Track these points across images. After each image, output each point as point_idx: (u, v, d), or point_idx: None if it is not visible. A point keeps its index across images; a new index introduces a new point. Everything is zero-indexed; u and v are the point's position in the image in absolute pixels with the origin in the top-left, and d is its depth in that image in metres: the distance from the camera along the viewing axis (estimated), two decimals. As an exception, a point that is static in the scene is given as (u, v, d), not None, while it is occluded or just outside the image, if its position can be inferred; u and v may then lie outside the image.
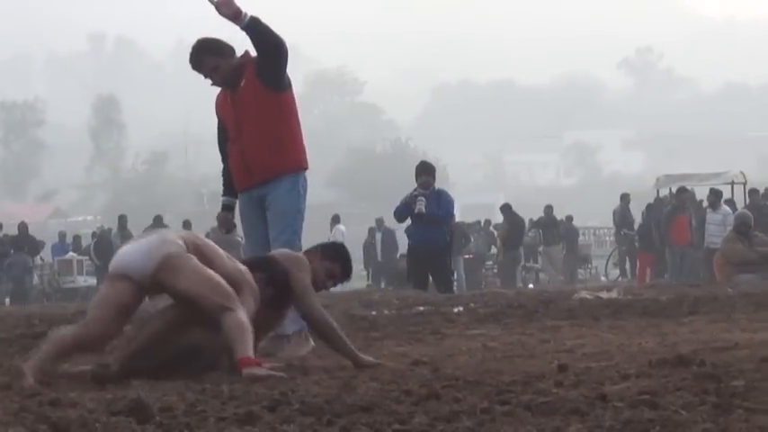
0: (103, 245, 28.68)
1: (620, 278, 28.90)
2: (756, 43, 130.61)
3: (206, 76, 7.88)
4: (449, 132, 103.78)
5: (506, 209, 28.59)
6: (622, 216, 29.01)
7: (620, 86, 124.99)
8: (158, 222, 28.89)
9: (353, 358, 6.53)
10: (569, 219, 31.68)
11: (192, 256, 6.04)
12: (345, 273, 6.99)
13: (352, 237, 31.84)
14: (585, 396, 4.47)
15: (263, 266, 6.67)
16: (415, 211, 15.40)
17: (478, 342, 7.97)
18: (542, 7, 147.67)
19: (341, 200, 79.36)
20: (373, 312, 10.89)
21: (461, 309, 11.32)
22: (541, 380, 5.16)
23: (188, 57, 7.86)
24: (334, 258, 6.96)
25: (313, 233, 10.88)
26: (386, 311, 11.27)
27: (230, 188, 8.19)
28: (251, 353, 5.80)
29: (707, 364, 5.39)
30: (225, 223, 8.25)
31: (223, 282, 6.00)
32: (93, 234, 32.16)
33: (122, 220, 29.05)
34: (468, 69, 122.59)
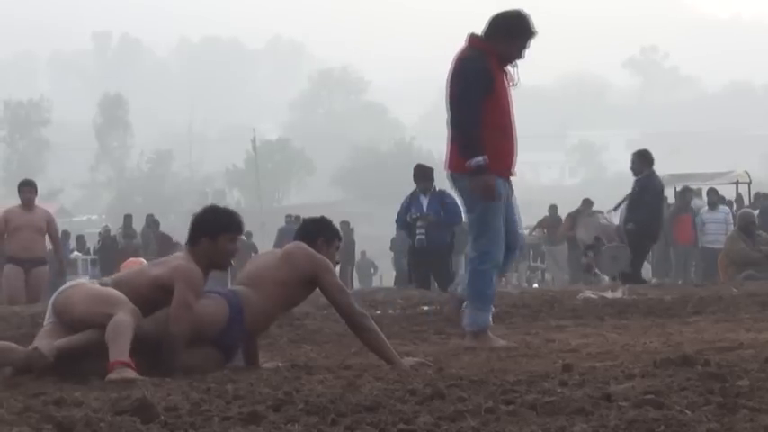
0: (108, 247, 28.70)
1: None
2: (761, 42, 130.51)
3: (523, 48, 8.22)
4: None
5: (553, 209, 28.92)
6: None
7: (625, 85, 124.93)
8: (150, 222, 28.92)
9: (395, 363, 6.29)
10: (573, 218, 31.64)
11: (87, 283, 6.26)
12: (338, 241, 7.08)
13: (357, 237, 31.82)
14: (590, 396, 4.46)
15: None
16: (416, 245, 15.82)
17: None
18: (547, 6, 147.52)
19: (346, 199, 79.32)
20: (378, 312, 10.88)
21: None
22: (546, 379, 5.15)
23: (531, 23, 8.25)
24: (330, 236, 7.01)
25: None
26: (390, 311, 11.25)
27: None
28: (123, 355, 5.74)
29: (711, 364, 5.38)
30: (488, 191, 8.00)
31: (109, 291, 6.06)
32: (99, 234, 32.11)
33: (128, 219, 28.80)
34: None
